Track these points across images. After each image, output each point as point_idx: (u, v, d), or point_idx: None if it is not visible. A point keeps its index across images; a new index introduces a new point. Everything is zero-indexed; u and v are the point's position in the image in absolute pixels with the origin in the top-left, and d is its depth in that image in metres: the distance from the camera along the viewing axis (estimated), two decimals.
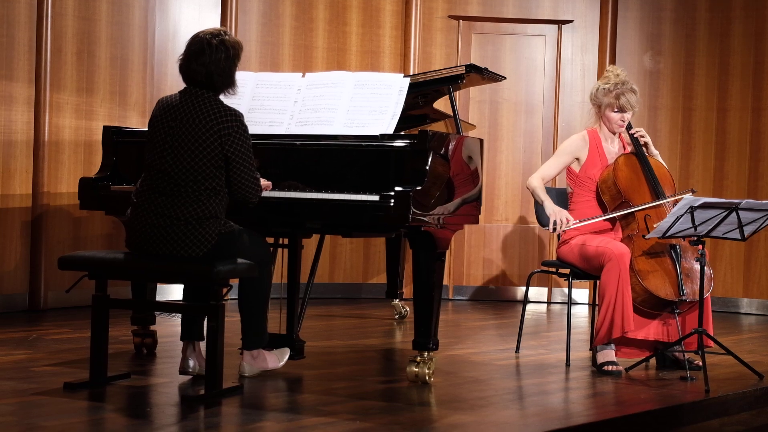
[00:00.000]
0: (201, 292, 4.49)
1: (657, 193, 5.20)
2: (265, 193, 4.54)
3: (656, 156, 5.37)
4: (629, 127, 5.34)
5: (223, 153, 4.20)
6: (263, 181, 4.50)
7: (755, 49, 7.71)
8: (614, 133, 5.34)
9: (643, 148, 5.32)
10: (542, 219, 5.60)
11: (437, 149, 4.49)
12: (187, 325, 4.55)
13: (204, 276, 4.10)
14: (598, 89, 5.30)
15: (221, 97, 4.32)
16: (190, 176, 4.20)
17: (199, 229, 4.20)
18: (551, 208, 5.17)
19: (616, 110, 5.25)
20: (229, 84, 4.30)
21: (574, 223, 5.11)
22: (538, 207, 5.60)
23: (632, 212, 5.13)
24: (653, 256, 5.04)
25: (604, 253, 5.00)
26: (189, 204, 4.21)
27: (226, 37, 4.28)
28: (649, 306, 5.02)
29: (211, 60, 4.23)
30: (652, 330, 5.09)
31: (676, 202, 5.07)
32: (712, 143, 7.84)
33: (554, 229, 5.11)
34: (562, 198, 5.57)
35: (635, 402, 4.45)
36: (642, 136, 5.31)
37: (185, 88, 4.32)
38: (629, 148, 5.37)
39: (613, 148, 5.36)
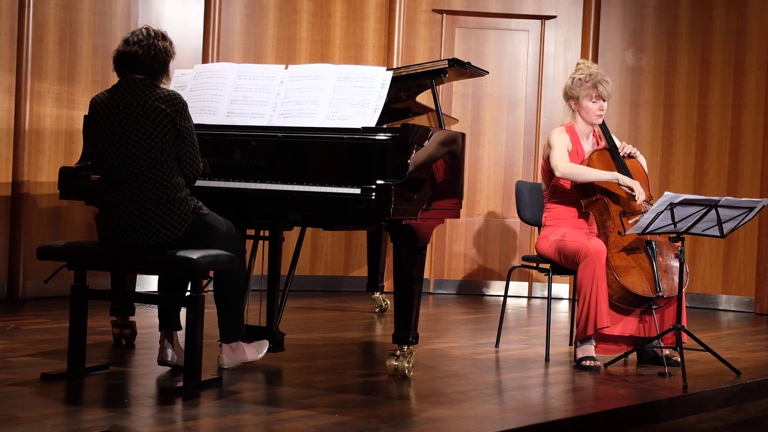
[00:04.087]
0: (177, 281, 4.48)
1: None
2: (246, 185, 4.54)
3: (641, 161, 5.36)
4: (610, 137, 5.33)
5: (175, 128, 4.24)
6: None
7: (736, 47, 7.74)
8: (592, 125, 5.34)
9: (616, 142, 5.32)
10: (524, 215, 5.61)
11: (419, 143, 4.49)
12: (165, 315, 4.54)
13: (184, 267, 4.08)
14: (573, 81, 5.29)
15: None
16: (142, 157, 4.19)
17: (173, 209, 4.19)
18: (626, 179, 5.11)
19: (594, 100, 5.26)
20: (164, 71, 4.39)
21: (648, 206, 5.07)
22: (520, 202, 5.61)
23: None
24: (629, 253, 5.06)
25: (580, 249, 5.02)
26: (149, 184, 4.19)
27: (160, 30, 4.46)
28: (626, 303, 5.04)
29: (150, 46, 4.32)
30: (628, 326, 5.10)
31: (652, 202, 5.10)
32: (692, 140, 7.87)
33: (646, 201, 5.08)
34: (538, 193, 5.58)
35: (613, 397, 4.46)
36: (630, 152, 5.31)
37: (121, 79, 4.34)
38: (602, 144, 5.37)
39: (587, 144, 5.36)
